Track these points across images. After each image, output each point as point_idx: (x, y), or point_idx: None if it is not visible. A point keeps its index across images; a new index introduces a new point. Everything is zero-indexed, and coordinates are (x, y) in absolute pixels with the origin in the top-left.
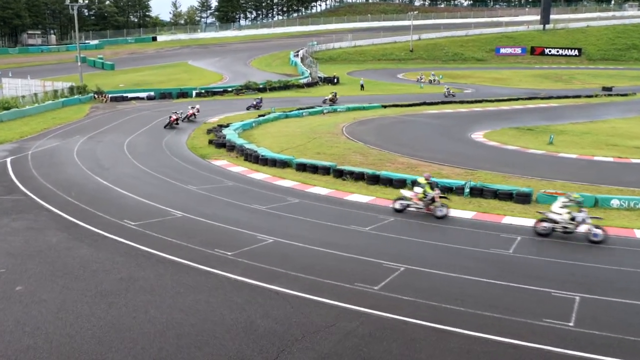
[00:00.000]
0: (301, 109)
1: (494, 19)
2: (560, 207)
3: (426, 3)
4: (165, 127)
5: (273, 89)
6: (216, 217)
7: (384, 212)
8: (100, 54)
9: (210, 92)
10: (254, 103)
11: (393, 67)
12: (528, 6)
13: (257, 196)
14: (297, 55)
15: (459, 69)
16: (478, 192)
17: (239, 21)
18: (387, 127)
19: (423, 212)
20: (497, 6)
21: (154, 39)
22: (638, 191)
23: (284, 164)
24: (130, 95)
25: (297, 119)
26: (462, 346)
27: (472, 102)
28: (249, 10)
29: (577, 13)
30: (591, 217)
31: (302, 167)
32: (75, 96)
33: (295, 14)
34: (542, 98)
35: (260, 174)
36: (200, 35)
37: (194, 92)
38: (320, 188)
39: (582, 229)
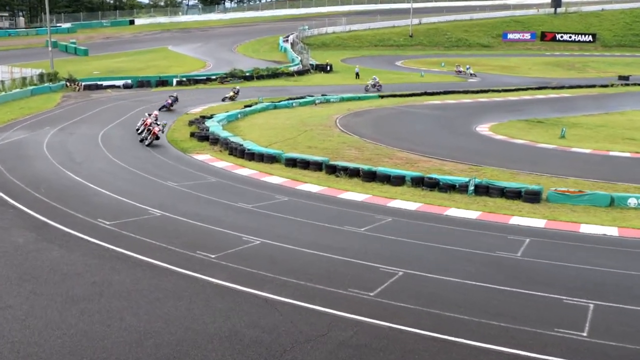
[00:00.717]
0: (291, 99)
1: (501, 2)
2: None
3: None
4: (141, 140)
5: (260, 77)
6: (198, 216)
7: (380, 212)
8: (72, 38)
9: (192, 81)
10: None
11: (391, 54)
12: None
13: (243, 194)
14: (287, 40)
15: (462, 56)
16: (483, 190)
17: (223, 3)
18: (384, 119)
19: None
20: None
21: (132, 22)
22: None
23: (272, 159)
24: (105, 83)
25: (287, 110)
26: (465, 358)
27: (477, 92)
28: None
29: None
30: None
31: (292, 163)
32: (46, 84)
33: None
34: (553, 88)
35: (246, 170)
36: (182, 18)
37: (174, 80)
38: (312, 185)
39: None
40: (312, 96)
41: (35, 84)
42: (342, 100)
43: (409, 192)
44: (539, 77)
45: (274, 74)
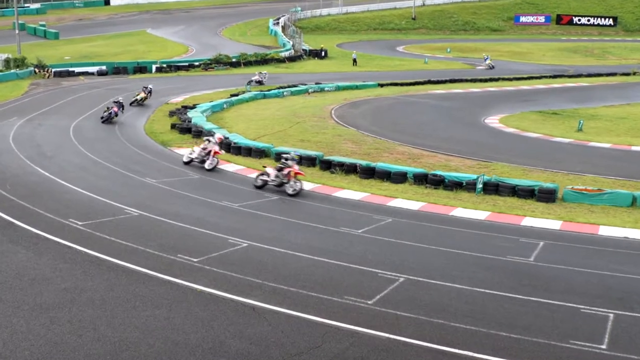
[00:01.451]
0: (282, 87)
1: None
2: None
3: None
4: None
5: (248, 63)
6: (179, 216)
7: (380, 212)
8: (42, 20)
9: (173, 67)
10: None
11: (392, 39)
12: None
13: (229, 191)
14: (277, 23)
15: (470, 40)
16: (493, 188)
17: None
18: (384, 109)
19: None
20: None
21: (107, 2)
22: None
23: (260, 154)
24: (77, 69)
25: (277, 100)
26: None
27: (486, 80)
28: None
29: None
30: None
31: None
32: (12, 70)
33: None
34: (569, 76)
35: (233, 165)
36: None
37: (153, 67)
38: (305, 182)
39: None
40: (304, 84)
41: (1, 70)
42: (338, 89)
43: (411, 190)
44: (554, 64)
45: (263, 60)
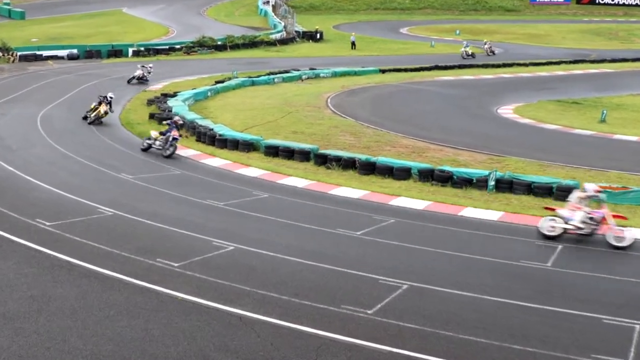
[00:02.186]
0: (272, 73)
1: None
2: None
3: None
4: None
5: (235, 46)
6: (158, 216)
7: (381, 211)
8: None
9: (151, 51)
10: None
11: (394, 19)
12: None
13: (213, 189)
14: (268, 2)
15: (481, 21)
16: (506, 186)
17: None
18: (386, 98)
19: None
20: None
21: None
22: None
23: (249, 147)
24: (45, 53)
25: (267, 87)
26: None
27: (499, 65)
28: None
29: None
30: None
31: (274, 151)
32: None
33: None
34: (591, 62)
35: (218, 160)
36: None
37: (130, 50)
38: (297, 179)
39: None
40: (298, 70)
41: None
42: (335, 75)
43: (416, 187)
44: (574, 48)
45: (252, 43)
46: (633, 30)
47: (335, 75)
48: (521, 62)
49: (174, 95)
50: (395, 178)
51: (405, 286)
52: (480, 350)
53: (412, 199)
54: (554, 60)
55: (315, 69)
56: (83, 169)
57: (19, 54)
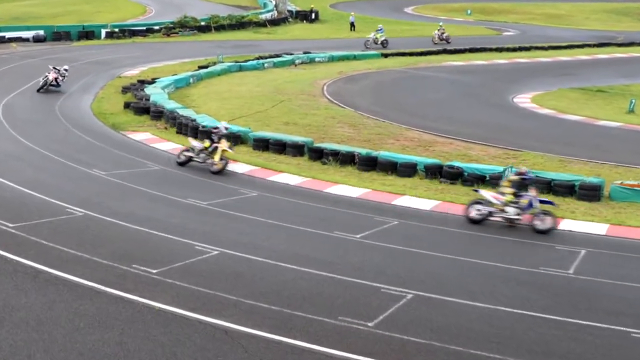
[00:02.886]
0: (262, 57)
1: None
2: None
3: None
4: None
5: (221, 27)
6: (134, 217)
7: (383, 212)
8: None
9: (127, 32)
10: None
11: None
12: None
13: (196, 186)
14: None
15: (495, 0)
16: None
17: None
18: (389, 85)
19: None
20: None
21: None
22: None
23: (235, 140)
24: (8, 34)
25: (257, 73)
26: None
27: (515, 49)
28: None
29: None
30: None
31: (263, 144)
32: None
33: None
34: (619, 45)
35: None
36: None
37: (103, 32)
38: (290, 175)
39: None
40: (290, 54)
41: None
42: (332, 59)
43: (422, 185)
44: (599, 30)
45: (240, 24)
46: None
47: (332, 59)
48: (539, 45)
49: (152, 81)
50: (399, 175)
51: (410, 296)
52: None
53: (418, 199)
54: (576, 44)
55: (309, 53)
56: (50, 164)
57: None
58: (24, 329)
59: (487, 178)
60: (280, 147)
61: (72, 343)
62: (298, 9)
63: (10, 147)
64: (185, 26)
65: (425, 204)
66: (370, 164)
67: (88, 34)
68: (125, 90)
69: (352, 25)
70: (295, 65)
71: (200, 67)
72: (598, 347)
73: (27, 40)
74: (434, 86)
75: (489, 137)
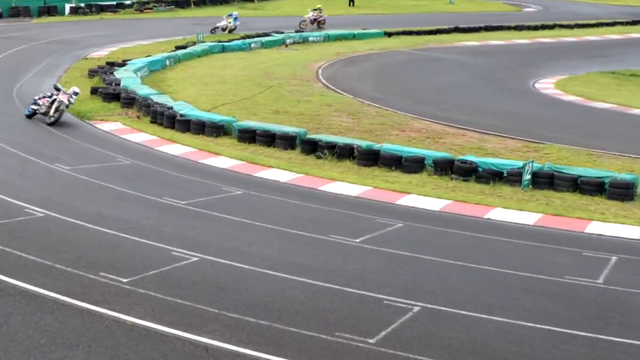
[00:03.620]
0: (248, 37)
1: None
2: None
3: None
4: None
5: (201, 2)
6: (102, 218)
7: (386, 213)
8: None
9: (94, 7)
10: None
11: None
12: None
13: (173, 184)
14: None
15: None
16: (546, 181)
17: None
18: (392, 69)
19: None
20: None
21: None
22: None
23: (218, 130)
24: None
25: (242, 54)
26: None
27: (536, 28)
28: None
29: None
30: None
31: (250, 136)
32: None
33: None
34: None
35: (179, 147)
36: None
37: (66, 7)
38: (280, 171)
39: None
40: (280, 33)
41: None
42: (328, 39)
43: (431, 182)
44: (632, 6)
45: None
46: None
47: (328, 39)
48: (564, 23)
49: (123, 64)
50: (405, 171)
51: (417, 308)
52: None
53: (425, 197)
54: (606, 21)
55: (303, 32)
56: (6, 159)
57: None
58: None
59: (505, 174)
60: (269, 139)
61: None
62: None
63: None
64: (160, 1)
65: (434, 204)
66: (371, 158)
67: (50, 9)
68: (92, 73)
69: (351, 0)
70: (286, 46)
71: (178, 48)
72: None
73: None
74: (445, 70)
75: (507, 127)
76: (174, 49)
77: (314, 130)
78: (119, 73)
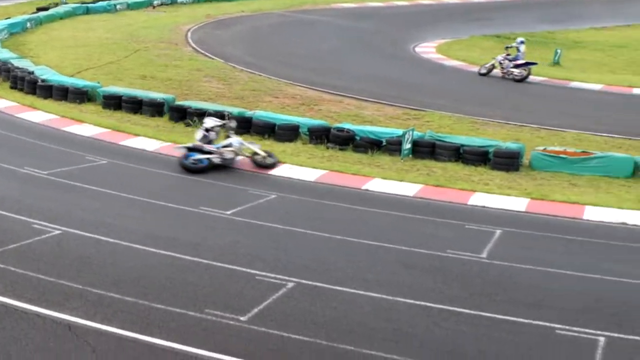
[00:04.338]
0: None
1: None
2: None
3: None
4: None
5: None
6: None
7: (259, 184)
8: None
9: None
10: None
11: None
12: None
13: (33, 152)
14: None
15: None
16: (427, 150)
17: None
18: (266, 32)
19: None
20: None
21: None
22: None
23: (82, 96)
24: None
25: (107, 17)
26: None
27: None
28: None
29: None
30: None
31: (115, 102)
32: None
33: None
34: None
35: (40, 113)
36: None
37: None
38: (147, 139)
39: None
40: None
41: None
42: (197, 0)
43: (306, 151)
44: None
45: None
46: None
47: (197, 0)
48: None
49: None
50: (278, 139)
51: (290, 284)
52: None
53: (300, 167)
54: None
55: None
56: None
57: None
58: None
59: (384, 143)
60: (136, 106)
61: None
62: None
63: None
64: None
65: (309, 174)
66: (243, 125)
67: None
68: None
69: None
70: (154, 7)
71: (40, 10)
72: (517, 346)
73: None
74: (321, 33)
75: (386, 94)
76: (35, 10)
77: (183, 96)
78: None
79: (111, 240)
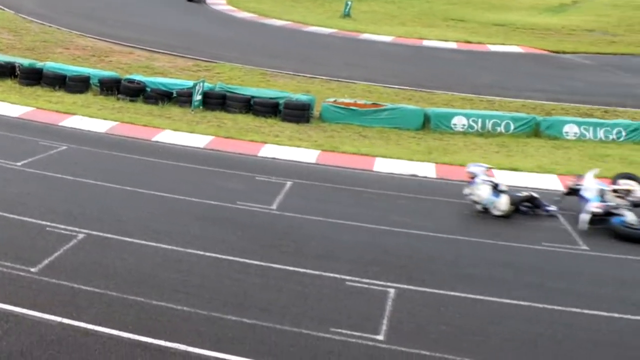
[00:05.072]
0: None
1: None
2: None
3: None
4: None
5: None
6: None
7: (49, 135)
8: None
9: None
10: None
11: None
12: None
13: None
14: None
15: None
16: (218, 102)
17: None
18: None
19: None
20: None
21: None
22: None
23: None
24: None
25: None
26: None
27: None
28: None
29: None
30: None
31: None
32: None
33: None
34: None
35: None
36: None
37: None
38: None
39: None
40: None
41: None
42: None
43: (96, 103)
44: None
45: None
46: None
47: None
48: None
49: None
50: (69, 90)
51: (81, 236)
52: (181, 322)
53: (91, 119)
54: None
55: None
56: None
57: None
58: None
59: (174, 94)
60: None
61: None
62: None
63: None
64: None
65: (99, 125)
66: (34, 77)
67: None
68: None
69: None
70: None
71: None
72: (307, 297)
73: None
74: None
75: (177, 45)
76: None
77: None
78: None
79: None
